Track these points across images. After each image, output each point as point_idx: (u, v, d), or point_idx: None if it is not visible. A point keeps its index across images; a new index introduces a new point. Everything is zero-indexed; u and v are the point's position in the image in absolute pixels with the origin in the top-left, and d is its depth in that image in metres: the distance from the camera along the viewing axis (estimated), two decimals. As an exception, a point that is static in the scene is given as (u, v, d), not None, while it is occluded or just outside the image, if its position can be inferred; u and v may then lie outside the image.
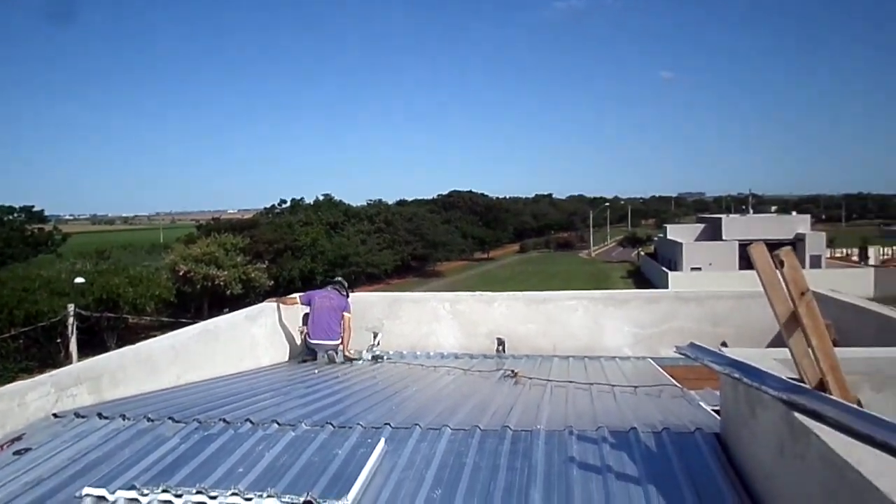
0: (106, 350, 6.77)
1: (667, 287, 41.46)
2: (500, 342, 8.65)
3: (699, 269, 53.05)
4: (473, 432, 4.50)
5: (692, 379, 6.54)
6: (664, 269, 55.60)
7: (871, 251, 63.47)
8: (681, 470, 3.81)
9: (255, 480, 3.78)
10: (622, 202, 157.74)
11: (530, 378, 6.74)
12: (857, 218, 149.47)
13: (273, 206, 75.27)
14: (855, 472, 2.33)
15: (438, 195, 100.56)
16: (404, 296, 9.94)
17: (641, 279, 61.29)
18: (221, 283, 42.09)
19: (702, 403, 5.51)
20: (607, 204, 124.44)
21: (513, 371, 6.96)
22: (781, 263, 2.92)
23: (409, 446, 4.31)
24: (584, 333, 8.81)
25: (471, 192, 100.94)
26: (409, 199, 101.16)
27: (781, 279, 2.97)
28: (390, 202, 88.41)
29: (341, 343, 8.31)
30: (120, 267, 38.23)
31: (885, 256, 63.46)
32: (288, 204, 73.62)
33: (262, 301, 9.23)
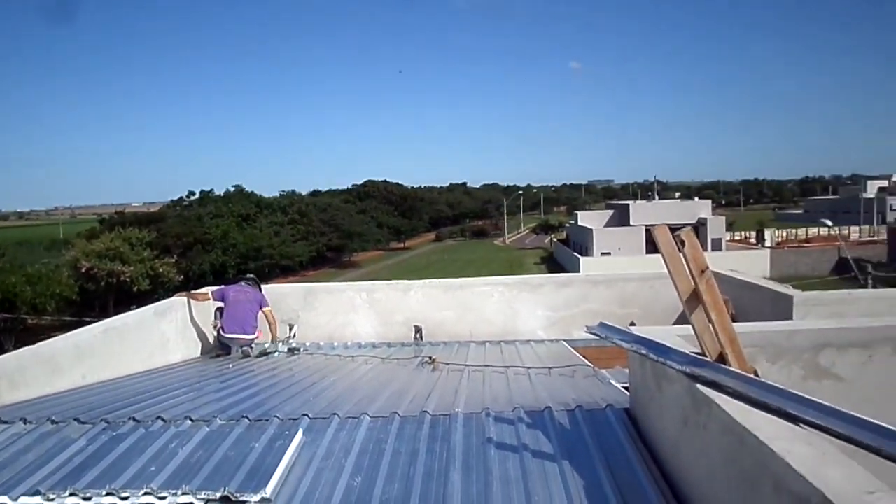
0: (3, 353, 6.40)
1: (579, 272, 42.56)
2: (418, 330, 8.69)
3: (609, 253, 54.74)
4: (392, 419, 4.52)
5: (603, 358, 6.77)
6: (576, 254, 57.06)
7: (767, 233, 67.00)
8: (593, 444, 3.95)
9: (168, 478, 3.67)
10: (535, 190, 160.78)
11: (448, 364, 6.81)
12: (754, 202, 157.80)
13: (181, 198, 72.74)
14: (753, 436, 2.47)
15: (353, 185, 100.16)
16: (320, 286, 9.84)
17: (555, 265, 62.68)
18: (127, 280, 40.45)
19: (612, 381, 5.71)
20: (520, 192, 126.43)
21: (430, 358, 7.01)
22: (683, 243, 3.06)
23: (328, 436, 4.29)
24: (500, 318, 8.96)
25: (386, 181, 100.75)
26: (324, 189, 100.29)
27: (683, 258, 3.12)
28: (304, 193, 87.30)
29: (258, 337, 8.18)
30: (16, 265, 36.21)
31: (780, 238, 67.12)
32: (197, 196, 71.31)
33: (171, 297, 8.93)
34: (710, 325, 3.15)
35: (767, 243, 63.09)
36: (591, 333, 4.09)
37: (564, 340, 8.22)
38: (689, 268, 3.08)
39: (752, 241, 66.55)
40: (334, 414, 4.63)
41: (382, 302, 9.15)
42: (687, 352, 3.36)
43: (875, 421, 2.39)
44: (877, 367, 4.18)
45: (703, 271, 3.03)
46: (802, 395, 2.68)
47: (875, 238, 63.19)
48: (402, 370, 6.81)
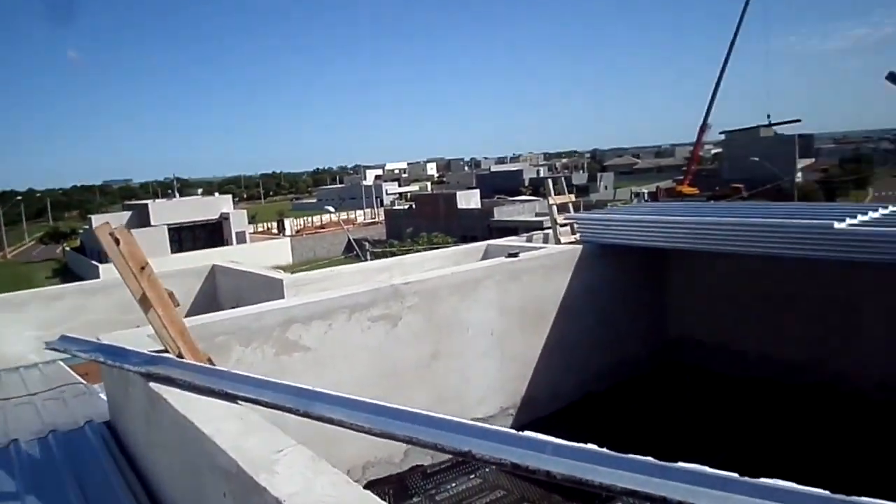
0: None
1: (99, 279, 39.20)
2: None
3: (131, 257, 51.68)
4: None
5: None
6: (94, 262, 52.44)
7: (287, 223, 71.22)
8: (67, 469, 3.63)
9: None
10: (38, 195, 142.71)
11: None
12: (273, 195, 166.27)
13: None
14: (191, 424, 2.54)
15: None
16: None
17: (72, 276, 56.57)
18: None
19: (102, 395, 5.36)
20: (20, 198, 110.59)
21: None
22: (118, 242, 2.97)
23: None
24: (-24, 348, 7.68)
25: None
26: None
27: (122, 257, 3.03)
28: None
29: None
30: None
31: (299, 227, 72.00)
32: None
33: None
34: (162, 321, 3.14)
35: (288, 232, 67.08)
36: (51, 349, 3.76)
37: (62, 360, 7.43)
38: (129, 266, 3.01)
39: (275, 231, 70.03)
40: None
41: None
42: (147, 351, 3.31)
43: (295, 385, 2.66)
44: (335, 333, 4.75)
45: (142, 268, 3.00)
46: (241, 373, 2.84)
47: (376, 220, 72.47)
48: None
